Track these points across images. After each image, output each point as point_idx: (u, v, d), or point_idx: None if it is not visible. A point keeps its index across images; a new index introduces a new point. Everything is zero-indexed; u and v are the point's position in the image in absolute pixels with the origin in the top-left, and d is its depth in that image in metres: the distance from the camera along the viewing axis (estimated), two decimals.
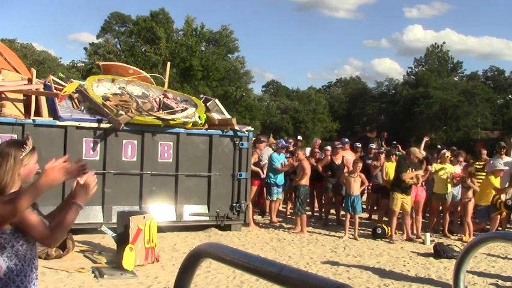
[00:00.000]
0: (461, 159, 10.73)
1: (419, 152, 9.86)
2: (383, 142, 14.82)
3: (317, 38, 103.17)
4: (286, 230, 9.91)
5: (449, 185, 9.78)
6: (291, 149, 12.27)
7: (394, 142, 14.03)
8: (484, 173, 10.27)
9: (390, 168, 10.03)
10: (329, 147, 11.79)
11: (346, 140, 12.30)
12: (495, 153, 10.94)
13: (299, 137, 15.37)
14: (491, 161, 10.28)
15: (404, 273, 6.97)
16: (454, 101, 48.52)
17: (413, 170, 9.21)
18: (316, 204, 12.22)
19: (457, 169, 10.21)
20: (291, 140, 13.89)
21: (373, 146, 12.73)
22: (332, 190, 10.77)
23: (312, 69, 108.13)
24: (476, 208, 9.66)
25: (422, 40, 77.69)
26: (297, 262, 7.43)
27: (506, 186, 9.54)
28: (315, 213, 12.12)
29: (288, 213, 11.89)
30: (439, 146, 10.70)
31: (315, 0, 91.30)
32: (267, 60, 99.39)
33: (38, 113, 7.92)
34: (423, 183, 9.83)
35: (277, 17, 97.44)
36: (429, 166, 10.15)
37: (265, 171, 10.52)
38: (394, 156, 10.42)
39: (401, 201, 9.17)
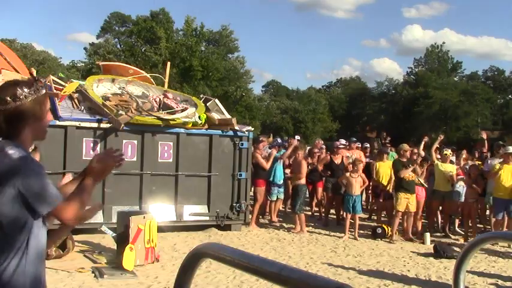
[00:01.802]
0: (464, 156, 10.78)
1: (408, 147, 9.95)
2: (383, 142, 14.82)
3: (316, 38, 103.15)
4: (286, 230, 9.91)
5: (449, 184, 9.78)
6: None
7: (387, 142, 14.01)
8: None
9: (381, 167, 10.12)
10: (323, 146, 11.91)
11: (354, 139, 12.27)
12: (494, 153, 10.93)
13: (297, 137, 15.38)
14: (489, 161, 10.27)
15: (404, 273, 6.97)
16: (454, 101, 48.50)
17: (409, 166, 9.26)
18: (313, 204, 12.23)
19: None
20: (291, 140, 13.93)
21: (368, 145, 12.76)
22: (332, 190, 10.78)
23: (311, 69, 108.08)
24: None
25: (421, 40, 77.60)
26: (297, 262, 7.43)
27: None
28: (315, 213, 12.13)
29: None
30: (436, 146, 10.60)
31: (314, 1, 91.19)
32: (265, 60, 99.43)
33: None
34: (423, 182, 9.81)
35: (276, 17, 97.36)
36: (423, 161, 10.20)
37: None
38: (385, 155, 10.50)
39: (406, 201, 9.17)
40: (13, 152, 2.09)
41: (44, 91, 2.20)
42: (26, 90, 2.12)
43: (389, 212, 10.55)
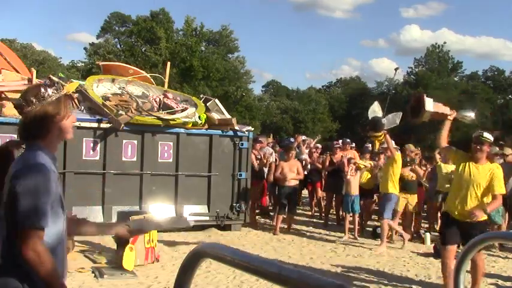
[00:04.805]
0: None
1: (414, 148, 9.95)
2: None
3: (315, 38, 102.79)
4: (286, 230, 9.89)
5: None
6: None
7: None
8: None
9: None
10: (319, 145, 11.97)
11: (348, 140, 12.31)
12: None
13: (303, 137, 15.35)
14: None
15: (404, 273, 6.97)
16: (454, 101, 48.51)
17: (408, 165, 9.25)
18: (313, 204, 12.25)
19: None
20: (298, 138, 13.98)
21: (369, 145, 12.77)
22: (332, 190, 10.80)
23: (311, 69, 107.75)
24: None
25: (419, 40, 77.36)
26: (297, 262, 7.44)
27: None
28: (315, 213, 12.15)
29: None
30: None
31: (312, 1, 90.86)
32: (265, 60, 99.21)
33: None
34: (423, 182, 9.81)
35: (275, 17, 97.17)
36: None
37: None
38: (368, 154, 10.52)
39: (405, 201, 9.16)
40: (32, 157, 2.14)
41: (64, 91, 2.27)
42: (49, 90, 2.19)
43: (367, 211, 10.57)
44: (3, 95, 7.77)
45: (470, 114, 6.11)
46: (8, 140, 3.01)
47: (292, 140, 12.28)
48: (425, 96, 5.82)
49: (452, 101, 47.75)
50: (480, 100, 49.67)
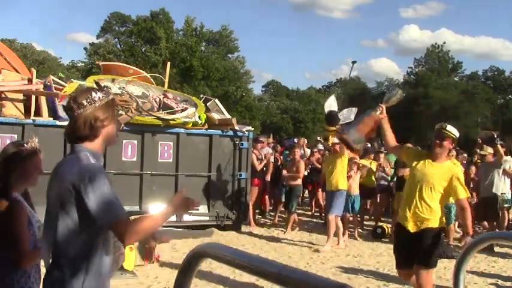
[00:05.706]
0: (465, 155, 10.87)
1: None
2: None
3: (314, 38, 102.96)
4: (286, 230, 9.90)
5: None
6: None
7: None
8: None
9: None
10: (321, 147, 12.00)
11: None
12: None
13: (318, 138, 15.25)
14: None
15: None
16: (454, 101, 48.51)
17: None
18: (313, 204, 12.25)
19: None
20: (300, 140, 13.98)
21: (368, 145, 12.77)
22: None
23: (310, 69, 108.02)
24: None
25: (418, 40, 77.45)
26: (297, 262, 7.44)
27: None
28: (315, 213, 12.14)
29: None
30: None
31: (310, 1, 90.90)
32: (264, 60, 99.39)
33: (38, 113, 7.92)
34: None
35: (275, 17, 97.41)
36: None
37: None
38: (371, 154, 10.52)
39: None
40: (84, 158, 2.16)
41: (112, 96, 2.30)
42: (99, 94, 2.22)
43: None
44: (3, 95, 7.76)
45: (396, 92, 5.29)
46: (9, 142, 3.01)
47: (295, 140, 12.37)
48: (344, 135, 4.97)
49: (452, 100, 47.94)
50: (480, 100, 49.73)
